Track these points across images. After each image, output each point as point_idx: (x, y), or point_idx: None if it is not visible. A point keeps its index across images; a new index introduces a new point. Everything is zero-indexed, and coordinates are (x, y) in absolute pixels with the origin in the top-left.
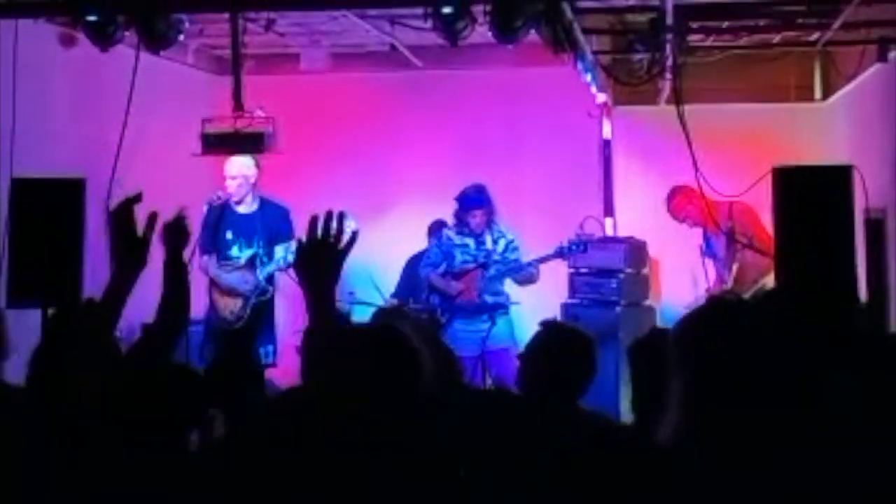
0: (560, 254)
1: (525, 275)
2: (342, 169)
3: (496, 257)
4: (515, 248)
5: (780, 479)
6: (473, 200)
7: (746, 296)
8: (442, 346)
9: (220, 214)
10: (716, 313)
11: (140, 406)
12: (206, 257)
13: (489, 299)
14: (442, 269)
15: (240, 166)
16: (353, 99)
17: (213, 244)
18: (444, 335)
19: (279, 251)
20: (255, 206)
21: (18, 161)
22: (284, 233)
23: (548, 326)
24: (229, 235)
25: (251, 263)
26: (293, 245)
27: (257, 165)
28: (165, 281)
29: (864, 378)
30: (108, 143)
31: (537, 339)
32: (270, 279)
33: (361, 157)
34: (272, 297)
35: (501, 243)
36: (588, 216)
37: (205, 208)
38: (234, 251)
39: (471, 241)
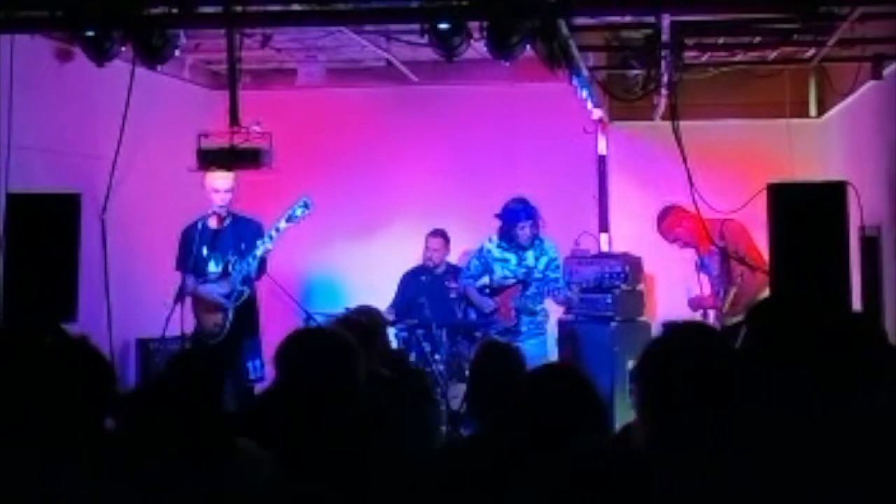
0: (599, 283)
1: (564, 296)
2: (338, 183)
3: (537, 275)
4: (557, 267)
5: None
6: (521, 213)
7: (742, 315)
8: None
9: (195, 232)
10: (670, 336)
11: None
12: (189, 278)
13: (526, 318)
14: (484, 280)
15: (226, 179)
16: (349, 114)
17: (192, 262)
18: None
19: (259, 247)
20: (228, 221)
21: (14, 176)
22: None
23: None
24: (205, 252)
25: (225, 272)
26: (269, 242)
27: (235, 178)
28: None
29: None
30: (105, 157)
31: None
32: (249, 283)
33: (357, 171)
34: (252, 302)
35: (543, 261)
36: (583, 231)
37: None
38: (212, 266)
39: (512, 257)
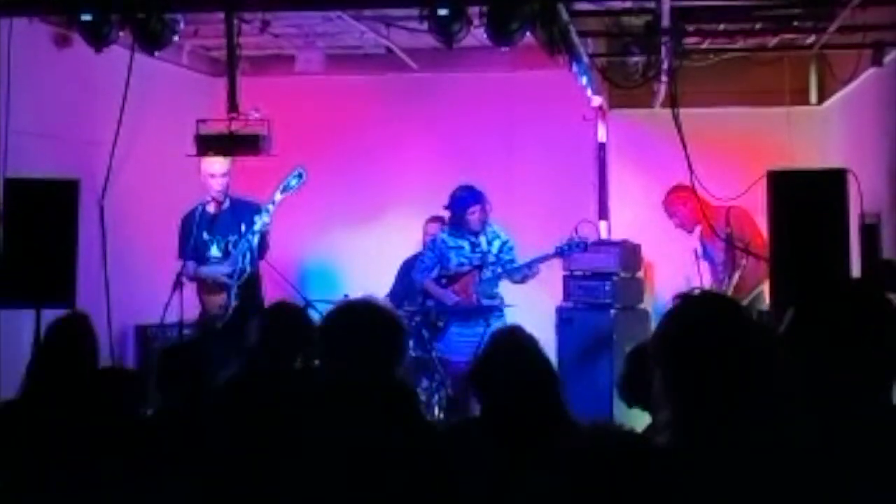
0: (560, 253)
1: (521, 276)
2: (336, 171)
3: (491, 259)
4: (510, 249)
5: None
6: (468, 199)
7: (744, 303)
8: None
9: (194, 218)
10: (692, 308)
11: None
12: (189, 263)
13: (485, 302)
14: (436, 272)
15: (222, 164)
16: (347, 101)
17: (194, 248)
18: (439, 340)
19: (257, 222)
20: (226, 205)
21: (12, 161)
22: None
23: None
24: (205, 236)
25: (226, 253)
26: (266, 215)
27: (232, 162)
28: None
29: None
30: (103, 143)
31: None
32: (252, 262)
33: (356, 159)
34: (256, 280)
35: (496, 244)
36: (583, 219)
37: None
38: (213, 250)
39: (465, 244)
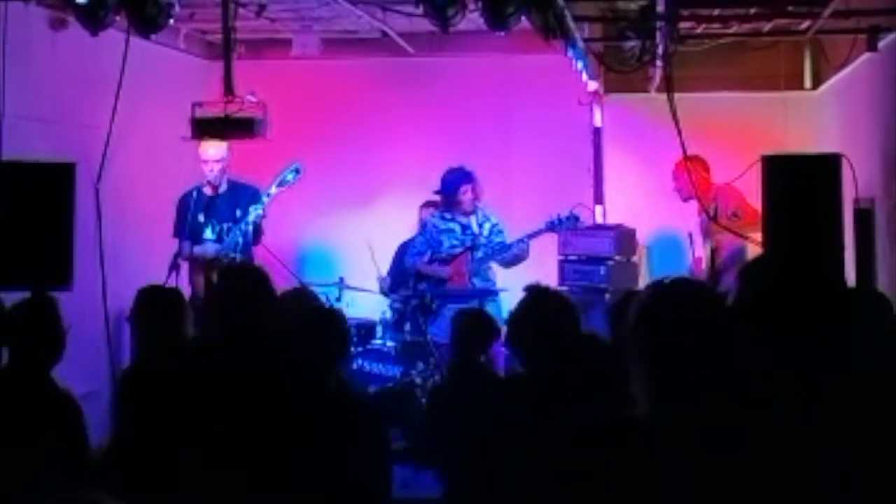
0: (551, 227)
1: (512, 255)
2: (333, 155)
3: (482, 240)
4: (500, 231)
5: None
6: (460, 179)
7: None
8: None
9: (191, 199)
10: (661, 299)
11: None
12: (185, 243)
13: (478, 283)
14: (428, 256)
15: (218, 149)
16: (344, 85)
17: (189, 230)
18: (434, 323)
19: (251, 213)
20: (223, 188)
21: (8, 145)
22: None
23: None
24: (201, 218)
25: (219, 239)
26: (260, 207)
27: (229, 148)
28: None
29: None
30: (99, 127)
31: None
32: (245, 249)
33: (352, 143)
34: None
35: (486, 226)
36: (578, 203)
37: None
38: (208, 233)
39: (456, 227)
